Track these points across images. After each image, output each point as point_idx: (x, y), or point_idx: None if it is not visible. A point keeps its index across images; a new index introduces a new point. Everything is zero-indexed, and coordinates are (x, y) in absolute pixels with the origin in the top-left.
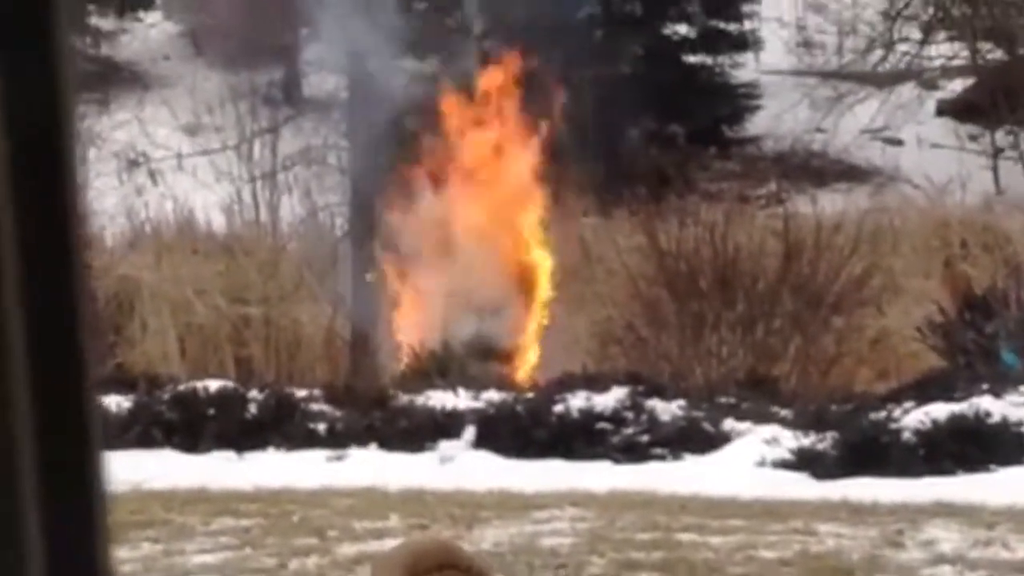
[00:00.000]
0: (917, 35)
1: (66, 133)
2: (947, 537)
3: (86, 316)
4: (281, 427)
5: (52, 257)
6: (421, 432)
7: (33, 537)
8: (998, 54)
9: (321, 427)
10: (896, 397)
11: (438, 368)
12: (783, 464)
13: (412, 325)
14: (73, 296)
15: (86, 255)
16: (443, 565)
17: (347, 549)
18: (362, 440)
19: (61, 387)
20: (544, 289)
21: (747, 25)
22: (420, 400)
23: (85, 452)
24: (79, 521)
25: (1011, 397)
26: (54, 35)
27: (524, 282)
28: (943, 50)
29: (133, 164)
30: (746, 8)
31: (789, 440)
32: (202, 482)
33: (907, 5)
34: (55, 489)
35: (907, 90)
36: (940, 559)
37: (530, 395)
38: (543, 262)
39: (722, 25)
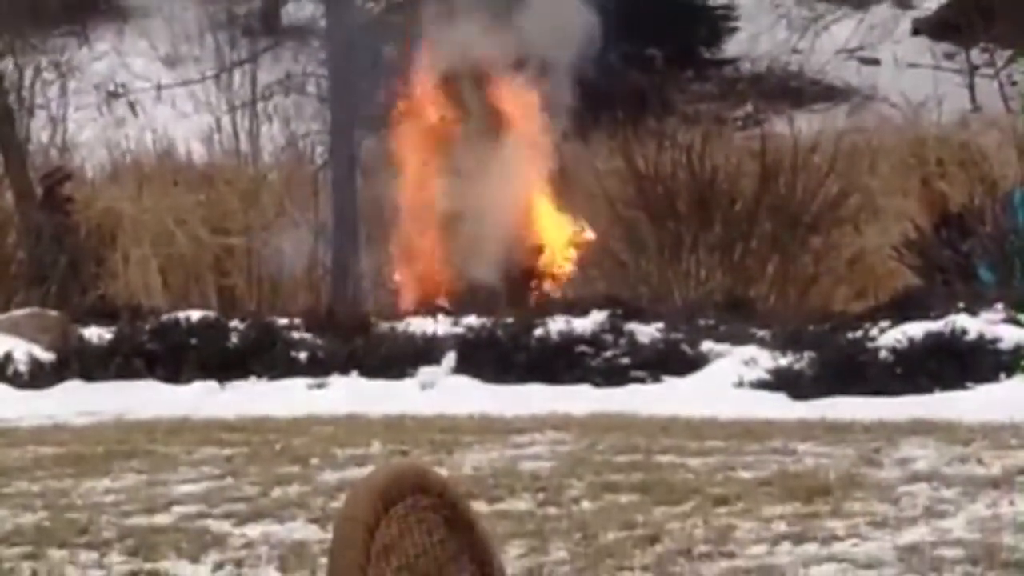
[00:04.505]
0: None
1: None
2: (923, 454)
3: None
4: (263, 356)
5: None
6: (402, 359)
7: None
8: None
9: (303, 355)
10: (873, 316)
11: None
12: (761, 384)
13: (394, 253)
14: None
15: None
16: (416, 489)
17: (329, 476)
18: (343, 368)
19: None
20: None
21: None
22: (400, 327)
23: None
24: None
25: (987, 314)
26: None
27: (503, 207)
28: None
29: (112, 96)
30: None
31: (767, 360)
32: (184, 411)
33: None
34: None
35: (882, 9)
36: (916, 476)
37: (509, 320)
38: (523, 186)
39: None
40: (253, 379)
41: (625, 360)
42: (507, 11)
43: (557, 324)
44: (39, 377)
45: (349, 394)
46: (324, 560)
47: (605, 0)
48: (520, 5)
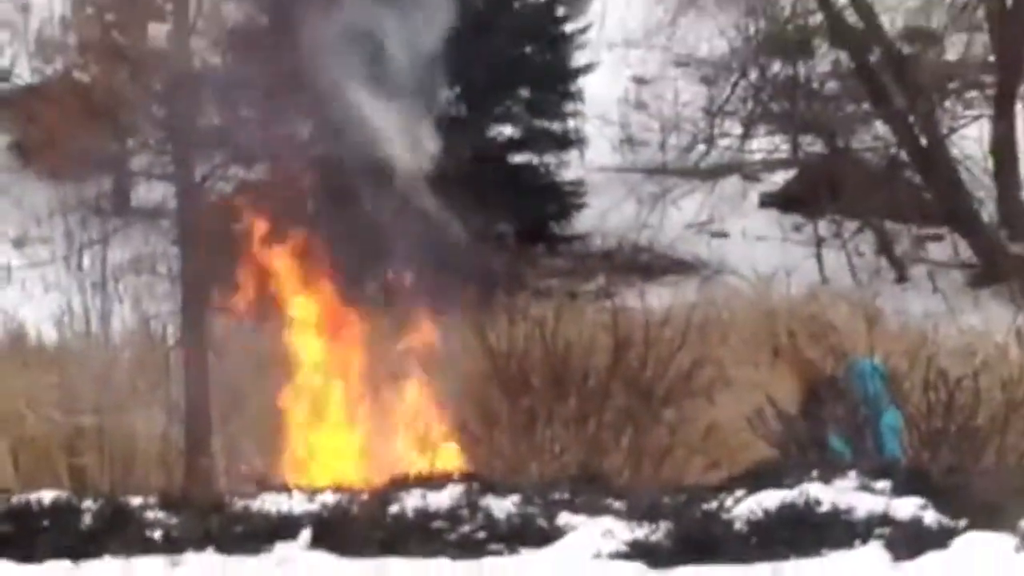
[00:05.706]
0: (738, 130)
1: None
2: None
3: None
4: (116, 536)
5: None
6: (258, 535)
7: None
8: (818, 146)
9: (157, 534)
10: (728, 487)
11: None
12: (619, 555)
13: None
14: None
15: None
16: None
17: None
18: (199, 545)
19: None
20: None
21: (571, 124)
22: (256, 504)
23: None
24: None
25: (840, 483)
26: None
27: (356, 386)
28: (764, 144)
29: None
30: (570, 107)
31: (624, 532)
32: None
33: (728, 101)
34: None
35: (730, 184)
36: None
37: (365, 496)
38: (374, 365)
39: (547, 124)
40: (108, 558)
41: (482, 534)
42: (352, 197)
43: (413, 499)
44: None
45: (205, 572)
46: None
47: (455, 178)
48: (367, 187)
